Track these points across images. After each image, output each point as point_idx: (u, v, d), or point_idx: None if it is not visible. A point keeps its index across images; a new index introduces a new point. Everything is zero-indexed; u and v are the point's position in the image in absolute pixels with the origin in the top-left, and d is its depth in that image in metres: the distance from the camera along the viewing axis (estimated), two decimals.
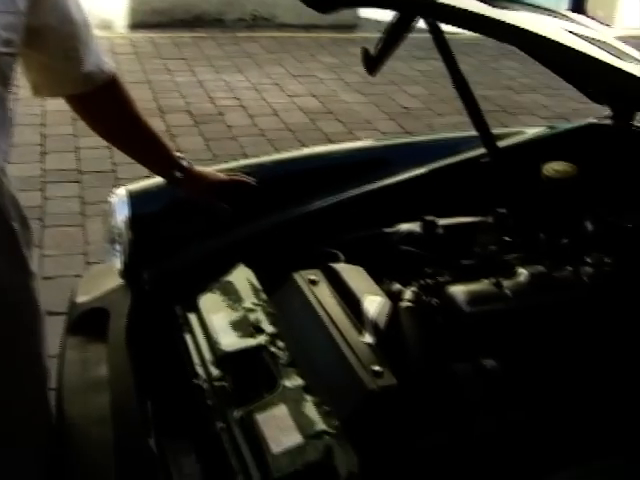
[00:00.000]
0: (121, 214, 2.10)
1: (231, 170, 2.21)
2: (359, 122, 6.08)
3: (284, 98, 6.61)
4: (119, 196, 2.14)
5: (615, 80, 1.75)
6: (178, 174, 2.00)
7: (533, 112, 6.59)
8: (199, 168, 2.08)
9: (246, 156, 4.87)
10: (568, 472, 1.33)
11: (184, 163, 2.01)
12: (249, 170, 2.30)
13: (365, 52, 2.02)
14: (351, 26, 9.06)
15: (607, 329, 1.68)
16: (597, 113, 2.55)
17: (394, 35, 1.99)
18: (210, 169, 2.14)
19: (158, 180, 2.09)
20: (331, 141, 5.43)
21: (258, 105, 6.37)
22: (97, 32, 1.71)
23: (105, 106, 1.83)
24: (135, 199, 2.12)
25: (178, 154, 2.03)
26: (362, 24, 9.05)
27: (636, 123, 2.41)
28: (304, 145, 5.17)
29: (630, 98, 2.20)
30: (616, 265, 1.83)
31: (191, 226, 2.09)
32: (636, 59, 1.68)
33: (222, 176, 2.11)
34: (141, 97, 5.99)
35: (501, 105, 6.70)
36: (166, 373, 1.87)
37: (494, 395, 1.53)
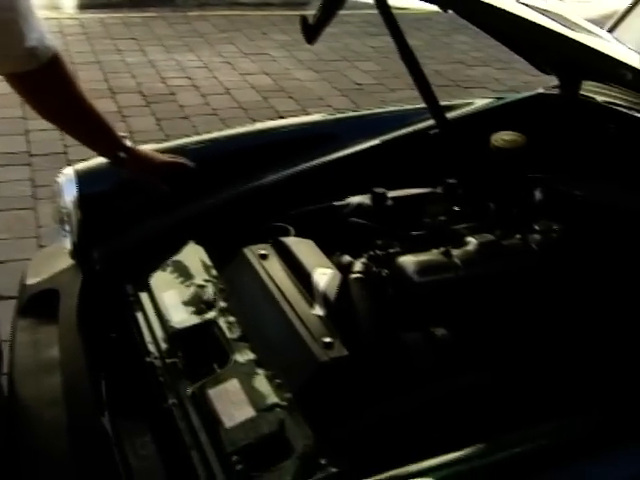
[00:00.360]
0: (69, 194, 2.08)
1: (176, 149, 2.20)
2: (312, 99, 6.07)
3: (236, 77, 6.56)
4: (66, 176, 2.12)
5: (563, 49, 1.77)
6: (122, 154, 1.98)
7: (485, 85, 6.62)
8: (142, 148, 2.07)
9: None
10: (518, 433, 1.34)
11: (127, 144, 1.99)
12: (202, 146, 2.30)
13: (304, 21, 2.02)
14: (303, 3, 8.99)
15: (556, 294, 1.70)
16: (547, 85, 2.56)
17: (332, 4, 1.99)
18: (152, 149, 2.13)
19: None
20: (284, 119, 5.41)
21: (210, 84, 6.32)
22: (46, 13, 1.69)
23: (48, 86, 1.80)
24: (83, 179, 2.10)
25: (122, 134, 2.01)
26: (313, 1, 9.01)
27: (582, 92, 2.43)
28: None
29: (577, 67, 2.22)
30: (564, 232, 1.84)
31: (141, 205, 2.08)
32: (586, 30, 1.69)
33: (164, 157, 2.10)
34: (91, 78, 5.92)
35: (453, 79, 6.72)
36: (118, 352, 1.86)
37: (444, 362, 1.54)
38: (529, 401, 1.50)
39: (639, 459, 1.32)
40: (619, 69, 1.45)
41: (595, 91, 2.41)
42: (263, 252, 1.81)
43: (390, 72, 6.61)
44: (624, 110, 2.29)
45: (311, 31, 2.04)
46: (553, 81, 2.50)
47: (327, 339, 1.51)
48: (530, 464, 1.29)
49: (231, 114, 5.62)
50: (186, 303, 1.80)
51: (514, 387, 1.54)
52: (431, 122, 2.26)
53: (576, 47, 1.60)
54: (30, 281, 2.10)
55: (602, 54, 1.50)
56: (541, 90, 2.58)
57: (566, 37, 1.55)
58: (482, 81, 6.78)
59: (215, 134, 2.52)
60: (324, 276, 1.67)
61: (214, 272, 1.87)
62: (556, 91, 2.49)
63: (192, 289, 1.84)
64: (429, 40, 7.90)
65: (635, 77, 1.43)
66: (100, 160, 2.09)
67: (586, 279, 1.74)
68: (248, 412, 1.48)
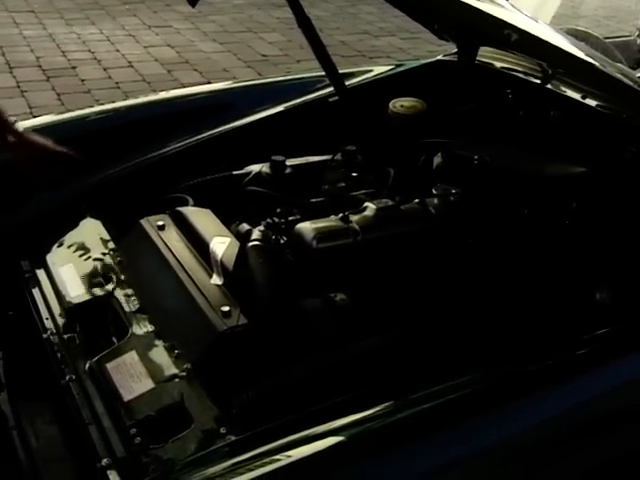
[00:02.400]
0: None
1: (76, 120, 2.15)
2: (217, 71, 6.00)
3: (139, 49, 6.44)
4: None
5: (457, 14, 1.79)
6: (10, 138, 1.90)
7: (390, 55, 6.64)
8: (31, 134, 1.98)
9: None
10: (423, 391, 1.35)
11: (18, 128, 1.91)
12: (103, 116, 2.26)
13: None
14: None
15: (454, 257, 1.72)
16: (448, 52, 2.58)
17: None
18: (49, 122, 2.06)
19: None
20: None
21: (112, 57, 6.19)
22: None
23: None
24: None
25: (11, 119, 1.93)
26: None
27: (482, 59, 2.45)
28: None
29: (473, 33, 2.24)
30: (462, 196, 1.86)
31: (33, 180, 2.02)
32: None
33: (49, 145, 1.98)
34: None
35: (359, 50, 6.72)
36: (16, 330, 1.82)
37: (345, 327, 1.54)
38: (429, 361, 1.52)
39: (540, 410, 1.35)
40: (506, 31, 1.47)
41: (494, 57, 2.43)
42: (160, 223, 1.78)
43: (295, 43, 6.57)
44: (520, 75, 2.32)
45: None
46: (454, 49, 2.51)
47: (225, 308, 1.51)
48: (434, 420, 1.30)
49: (134, 87, 5.51)
50: (83, 277, 1.77)
51: (415, 348, 1.55)
52: (330, 90, 2.25)
53: (469, 11, 1.61)
54: None
55: (491, 16, 1.52)
56: (440, 57, 2.60)
57: (460, 2, 1.56)
58: (387, 51, 6.79)
59: (116, 104, 2.47)
60: (222, 245, 1.66)
61: (111, 245, 1.84)
62: (455, 58, 2.50)
63: (89, 263, 1.80)
64: (335, 11, 7.88)
65: (520, 38, 1.44)
66: None
67: (482, 240, 1.77)
68: (147, 384, 1.46)
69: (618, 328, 1.53)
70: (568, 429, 1.35)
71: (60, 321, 1.68)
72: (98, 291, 1.72)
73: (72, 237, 1.91)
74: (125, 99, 5.17)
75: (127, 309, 1.65)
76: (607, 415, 1.40)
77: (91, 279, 1.76)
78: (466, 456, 1.26)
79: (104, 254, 1.82)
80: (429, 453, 1.25)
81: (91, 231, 1.91)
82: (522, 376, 1.41)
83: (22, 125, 1.95)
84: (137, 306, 1.65)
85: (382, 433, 1.29)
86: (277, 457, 1.22)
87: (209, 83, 5.59)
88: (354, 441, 1.27)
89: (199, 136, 2.20)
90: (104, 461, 1.35)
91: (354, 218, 1.72)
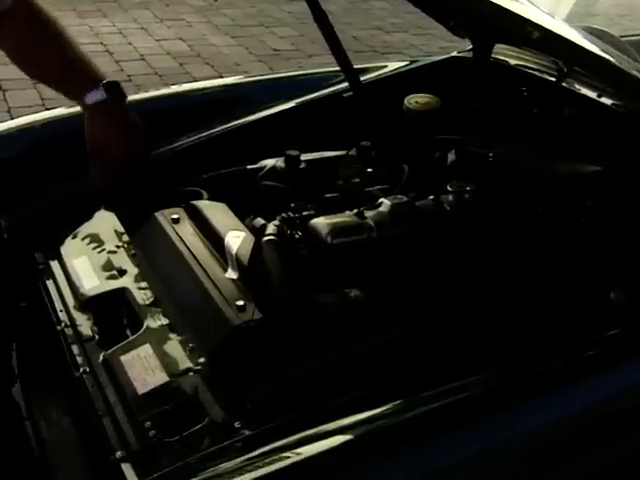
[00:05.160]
0: None
1: None
2: (228, 65, 6.00)
3: (151, 42, 6.44)
4: None
5: (474, 10, 1.78)
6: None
7: (402, 51, 6.63)
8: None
9: None
10: (436, 389, 1.35)
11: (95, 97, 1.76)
12: None
13: None
14: None
15: (468, 254, 1.72)
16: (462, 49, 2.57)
17: None
18: None
19: (16, 122, 2.01)
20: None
21: (124, 50, 6.20)
22: None
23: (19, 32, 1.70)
24: None
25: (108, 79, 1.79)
26: None
27: (496, 56, 2.45)
28: None
29: (488, 29, 2.23)
30: (477, 192, 1.86)
31: (48, 170, 2.02)
32: None
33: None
34: None
35: (371, 45, 6.72)
36: (29, 321, 1.82)
37: (358, 323, 1.54)
38: (443, 360, 1.51)
39: (550, 411, 1.35)
40: (526, 28, 1.46)
41: (508, 54, 2.43)
42: (175, 216, 1.78)
43: (307, 37, 6.57)
44: (535, 73, 2.31)
45: None
46: (468, 45, 2.51)
47: (240, 302, 1.50)
48: (444, 420, 1.30)
49: (146, 81, 5.52)
50: (97, 270, 1.77)
51: (428, 345, 1.55)
52: (345, 85, 2.25)
53: (486, 8, 1.61)
54: None
55: (510, 12, 1.52)
56: (455, 53, 2.60)
57: None
58: (399, 47, 6.79)
59: (128, 98, 2.47)
60: (237, 239, 1.66)
61: (126, 238, 1.84)
62: (470, 54, 2.50)
63: (103, 255, 1.80)
64: (347, 6, 7.87)
65: (541, 36, 1.44)
66: (8, 124, 2.03)
67: (498, 238, 1.76)
68: (161, 378, 1.46)
69: (632, 328, 1.53)
70: (579, 431, 1.35)
71: (74, 313, 1.67)
72: (112, 283, 1.72)
73: (86, 229, 1.91)
74: (137, 92, 5.19)
75: (141, 302, 1.65)
76: (619, 417, 1.40)
77: (105, 271, 1.76)
78: (475, 456, 1.26)
79: (118, 247, 1.82)
80: (438, 453, 1.25)
81: (105, 223, 1.91)
82: (533, 376, 1.41)
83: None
84: (151, 299, 1.65)
85: (394, 431, 1.29)
86: (289, 454, 1.22)
87: (221, 77, 5.60)
88: (366, 439, 1.28)
89: (213, 130, 2.20)
90: (118, 454, 1.35)
91: (369, 214, 1.72)
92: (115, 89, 1.74)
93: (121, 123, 1.80)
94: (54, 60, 1.74)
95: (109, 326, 1.64)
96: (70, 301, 1.72)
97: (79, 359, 1.57)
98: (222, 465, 1.23)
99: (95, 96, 1.72)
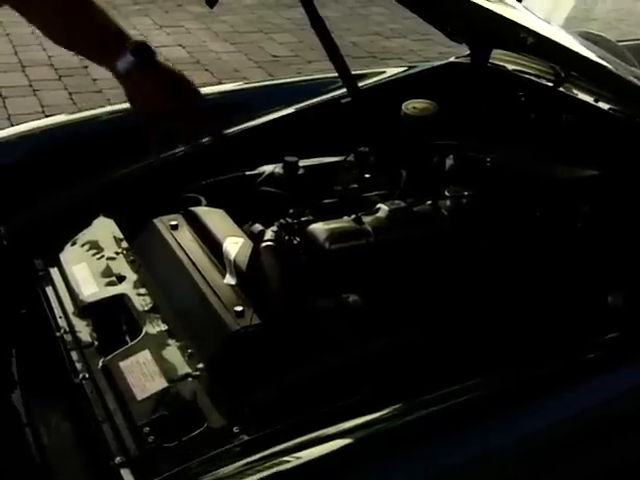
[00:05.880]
0: None
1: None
2: (228, 72, 6.01)
3: None
4: None
5: (471, 16, 1.79)
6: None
7: (401, 57, 6.63)
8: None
9: None
10: (436, 393, 1.35)
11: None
12: (115, 116, 2.26)
13: None
14: None
15: (465, 259, 1.72)
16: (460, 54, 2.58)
17: None
18: None
19: (16, 130, 2.01)
20: None
21: None
22: None
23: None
24: None
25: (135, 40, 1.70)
26: None
27: (494, 61, 2.45)
28: None
29: (486, 35, 2.24)
30: (475, 198, 1.87)
31: (48, 177, 2.03)
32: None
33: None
34: (1, 51, 5.77)
35: (370, 51, 6.73)
36: (29, 328, 1.83)
37: (357, 328, 1.54)
38: (442, 364, 1.52)
39: (550, 414, 1.35)
40: (520, 33, 1.47)
41: (505, 60, 2.43)
42: (174, 223, 1.79)
43: (306, 44, 6.58)
44: (533, 78, 2.32)
45: None
46: (466, 51, 2.52)
47: (239, 308, 1.51)
48: (444, 423, 1.31)
49: None
50: (96, 276, 1.78)
51: (427, 349, 1.55)
52: (343, 91, 2.26)
53: (483, 13, 1.62)
54: None
55: (503, 18, 1.52)
56: (452, 59, 2.60)
57: (474, 4, 1.57)
58: (398, 52, 6.79)
59: (126, 105, 2.47)
60: (235, 245, 1.66)
61: (124, 244, 1.84)
62: (467, 60, 2.50)
63: (102, 262, 1.81)
64: (346, 12, 7.87)
65: (535, 42, 1.45)
66: (7, 131, 2.04)
67: (494, 243, 1.77)
68: (160, 383, 1.47)
69: (630, 331, 1.53)
70: (577, 434, 1.36)
71: (73, 320, 1.68)
72: (111, 290, 1.72)
73: (85, 236, 1.91)
74: None
75: (140, 308, 1.65)
76: (617, 419, 1.40)
77: (104, 278, 1.76)
78: (474, 459, 1.27)
79: (117, 253, 1.83)
80: (438, 456, 1.26)
81: (104, 230, 1.92)
82: (532, 380, 1.41)
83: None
84: (150, 305, 1.65)
85: (393, 435, 1.30)
86: (288, 458, 1.23)
87: (220, 83, 5.61)
88: (365, 443, 1.28)
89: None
90: (117, 459, 1.36)
91: (367, 219, 1.72)
92: (143, 48, 1.70)
93: (160, 78, 1.76)
94: (83, 28, 1.67)
95: (108, 332, 1.65)
96: (69, 307, 1.72)
97: (78, 365, 1.57)
98: (221, 470, 1.23)
99: (126, 61, 1.70)
